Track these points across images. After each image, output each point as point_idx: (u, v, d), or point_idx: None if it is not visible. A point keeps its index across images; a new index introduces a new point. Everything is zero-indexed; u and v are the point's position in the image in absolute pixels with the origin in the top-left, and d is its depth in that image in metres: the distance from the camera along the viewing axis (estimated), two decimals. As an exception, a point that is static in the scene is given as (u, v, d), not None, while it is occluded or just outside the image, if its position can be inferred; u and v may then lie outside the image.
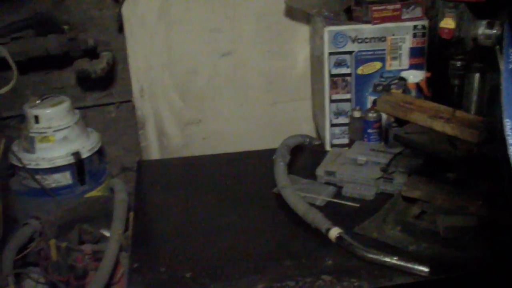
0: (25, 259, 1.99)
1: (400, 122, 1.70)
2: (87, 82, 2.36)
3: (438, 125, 1.55)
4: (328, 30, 1.95)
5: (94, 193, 2.15)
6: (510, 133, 0.80)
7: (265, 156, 2.01)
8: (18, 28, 2.19)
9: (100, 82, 2.37)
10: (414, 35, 1.95)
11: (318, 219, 1.62)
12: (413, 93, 1.93)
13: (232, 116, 2.39)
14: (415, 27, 1.94)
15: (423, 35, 1.95)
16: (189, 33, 2.26)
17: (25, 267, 1.99)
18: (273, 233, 1.71)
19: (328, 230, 1.57)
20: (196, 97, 2.34)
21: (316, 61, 2.15)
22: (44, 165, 2.07)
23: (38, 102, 2.13)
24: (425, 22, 1.94)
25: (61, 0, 2.26)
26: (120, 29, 2.24)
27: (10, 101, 2.30)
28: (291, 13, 2.25)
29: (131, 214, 1.88)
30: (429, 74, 1.94)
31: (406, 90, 1.90)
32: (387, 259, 1.46)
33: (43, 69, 2.34)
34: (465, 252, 1.50)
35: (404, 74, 1.96)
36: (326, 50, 1.97)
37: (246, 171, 2.09)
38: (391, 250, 1.52)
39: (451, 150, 1.56)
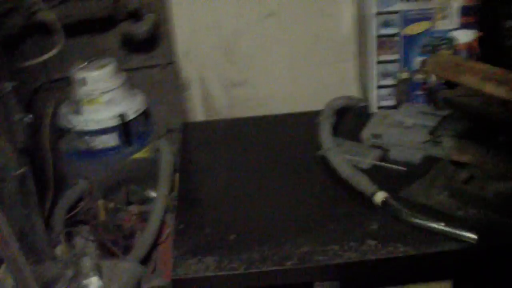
0: (75, 218, 2.03)
1: (450, 84, 1.65)
2: (131, 44, 2.37)
3: (491, 87, 1.49)
4: (376, -11, 1.90)
5: (140, 154, 2.16)
6: None
7: (311, 118, 1.99)
8: (64, -9, 2.19)
9: (145, 44, 2.37)
10: (466, -7, 1.89)
11: (363, 183, 1.60)
12: (464, 53, 1.87)
13: (277, 77, 2.36)
14: (467, -16, 1.88)
15: (476, -7, 1.88)
16: (234, -8, 2.24)
17: (76, 226, 2.04)
18: (317, 196, 1.70)
19: (373, 194, 1.56)
20: (242, 59, 2.32)
21: (363, 21, 2.10)
22: (91, 126, 2.09)
23: (84, 64, 2.14)
24: (478, -20, 1.87)
25: (106, -39, 2.26)
26: (165, -10, 2.22)
27: (58, 64, 2.32)
28: (338, -29, 2.20)
29: (177, 175, 1.90)
30: (480, 34, 1.87)
31: (456, 51, 1.85)
32: (434, 225, 1.44)
33: (88, 32, 2.35)
34: (515, 219, 1.47)
35: (454, 33, 1.90)
36: (373, 10, 1.92)
37: (291, 133, 2.08)
38: (438, 215, 1.49)
39: (504, 113, 1.51)
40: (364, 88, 2.22)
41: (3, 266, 1.27)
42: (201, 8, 2.23)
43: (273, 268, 1.42)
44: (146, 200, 1.99)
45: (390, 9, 1.91)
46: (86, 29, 2.32)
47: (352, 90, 2.31)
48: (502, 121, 1.53)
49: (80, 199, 2.02)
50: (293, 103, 2.34)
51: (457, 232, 1.41)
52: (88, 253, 1.74)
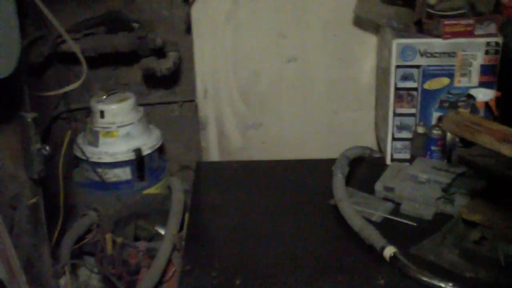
0: (82, 249, 2.03)
1: (466, 142, 1.65)
2: (152, 80, 2.40)
3: (507, 149, 1.49)
4: (397, 43, 1.91)
5: (152, 190, 2.17)
6: None
7: (324, 166, 2.00)
8: (90, 25, 2.23)
9: (165, 81, 2.40)
10: (486, 52, 1.90)
11: (373, 236, 1.59)
12: (481, 112, 1.88)
13: (293, 122, 2.38)
14: (488, 43, 1.89)
15: (496, 52, 1.89)
16: (255, 36, 2.27)
17: (82, 256, 2.03)
18: (327, 245, 1.70)
19: (383, 248, 1.55)
20: (259, 101, 2.35)
21: (382, 73, 2.12)
22: (106, 159, 2.10)
23: (104, 97, 2.17)
24: (498, 39, 1.89)
25: (133, -1, 2.31)
26: (188, 29, 2.26)
27: (78, 94, 2.36)
28: (359, 22, 2.23)
29: (187, 214, 1.90)
30: (499, 94, 1.87)
31: (474, 109, 1.85)
32: (442, 284, 1.42)
33: (111, 65, 2.39)
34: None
35: (473, 91, 1.91)
36: (394, 63, 1.94)
37: (304, 179, 2.08)
38: (447, 274, 1.48)
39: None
40: (379, 139, 2.22)
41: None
42: (223, 50, 2.26)
43: (277, 317, 1.41)
44: (154, 237, 1.99)
45: (410, 63, 1.93)
46: (109, 62, 2.36)
47: (367, 140, 2.31)
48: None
49: (88, 231, 2.02)
50: (308, 148, 2.36)
51: (465, 293, 1.39)
52: (90, 285, 1.74)
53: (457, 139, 1.69)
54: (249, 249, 1.68)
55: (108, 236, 1.86)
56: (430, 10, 1.91)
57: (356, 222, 1.66)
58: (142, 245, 1.87)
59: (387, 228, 1.68)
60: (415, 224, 1.71)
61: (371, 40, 2.25)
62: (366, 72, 2.30)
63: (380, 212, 1.75)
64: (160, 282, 1.83)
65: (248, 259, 1.63)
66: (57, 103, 2.32)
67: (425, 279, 1.45)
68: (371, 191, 1.87)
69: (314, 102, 2.36)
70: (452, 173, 1.80)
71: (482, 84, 1.92)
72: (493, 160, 1.55)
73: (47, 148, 1.48)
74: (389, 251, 1.53)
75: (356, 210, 1.72)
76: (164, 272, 1.85)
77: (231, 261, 1.63)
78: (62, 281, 1.84)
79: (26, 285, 1.25)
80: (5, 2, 1.30)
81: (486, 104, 1.88)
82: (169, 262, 1.85)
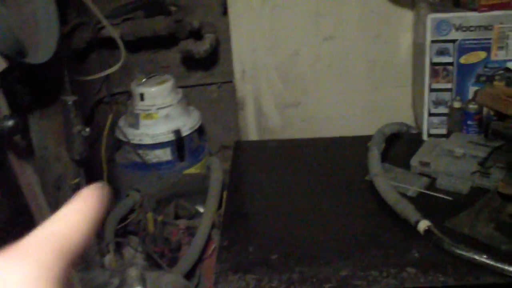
0: (126, 229, 2.11)
1: (502, 116, 1.64)
2: (191, 62, 2.44)
3: (541, 122, 1.48)
4: (431, 17, 1.90)
5: (192, 170, 2.22)
6: None
7: (362, 142, 2.01)
8: (129, 10, 2.29)
9: (204, 63, 2.45)
10: (524, 24, 1.87)
11: (407, 211, 1.60)
12: (519, 85, 1.85)
13: (331, 100, 2.38)
14: (525, 15, 1.86)
15: (534, 24, 1.86)
16: (292, 16, 2.27)
17: (126, 236, 2.11)
18: (362, 220, 1.71)
19: (417, 222, 1.55)
20: (297, 80, 2.36)
21: (418, 48, 2.11)
22: (147, 140, 2.16)
23: (144, 80, 2.23)
24: (537, 10, 1.85)
25: (170, -17, 2.35)
26: (225, 11, 2.29)
27: (119, 78, 2.42)
28: (396, -2, 2.21)
29: (225, 192, 1.94)
30: (537, 66, 1.85)
31: (509, 82, 1.83)
32: (476, 257, 1.42)
33: (151, 48, 2.45)
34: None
35: (510, 64, 1.88)
36: (429, 38, 1.92)
37: (341, 156, 2.09)
38: (482, 247, 1.47)
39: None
40: (416, 115, 2.21)
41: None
42: (259, 30, 2.28)
43: (312, 290, 1.44)
44: (194, 215, 2.04)
45: (446, 37, 1.91)
46: (148, 45, 2.42)
47: (406, 117, 2.30)
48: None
49: (131, 211, 2.09)
50: (347, 126, 2.36)
51: (499, 265, 1.39)
52: (135, 263, 1.80)
53: (492, 113, 1.68)
54: (286, 225, 1.72)
55: (150, 215, 1.93)
56: (465, -17, 1.89)
57: (390, 196, 1.67)
58: (182, 223, 1.93)
59: (422, 203, 1.68)
60: (450, 199, 1.71)
61: (408, 16, 2.23)
62: (403, 49, 2.29)
63: (415, 187, 1.75)
64: (200, 258, 1.89)
65: (284, 235, 1.66)
66: (99, 87, 2.39)
67: (459, 251, 1.46)
68: (407, 166, 1.87)
69: (352, 80, 2.36)
70: (489, 147, 1.79)
71: (520, 57, 1.90)
72: (528, 133, 1.54)
73: (87, 129, 1.55)
74: (424, 224, 1.54)
75: (391, 185, 1.73)
76: (205, 249, 1.91)
77: (268, 237, 1.66)
78: (107, 259, 1.92)
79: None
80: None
81: (524, 76, 1.85)
82: (209, 239, 1.91)
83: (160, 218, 1.89)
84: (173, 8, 2.31)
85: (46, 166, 1.56)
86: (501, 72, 1.89)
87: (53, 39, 1.37)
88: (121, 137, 2.21)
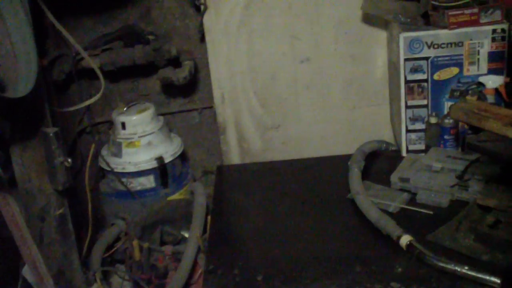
0: (113, 257, 2.11)
1: (476, 129, 1.68)
2: (171, 89, 2.47)
3: (513, 133, 1.51)
4: (404, 36, 1.95)
5: (176, 196, 2.23)
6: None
7: (342, 161, 2.04)
8: (108, 40, 2.32)
9: (184, 89, 2.47)
10: (493, 39, 1.91)
11: (389, 226, 1.63)
12: (492, 99, 1.90)
13: (311, 121, 2.41)
14: (494, 31, 1.91)
15: (503, 38, 1.91)
16: (269, 40, 2.31)
17: (113, 265, 2.11)
18: (345, 238, 1.74)
19: (399, 237, 1.58)
20: (276, 103, 2.39)
21: (392, 67, 2.15)
22: (130, 169, 2.18)
23: (125, 109, 2.24)
24: (504, 26, 1.90)
25: (147, 12, 2.38)
26: (202, 38, 2.32)
27: (101, 108, 2.45)
28: (369, 19, 2.26)
29: (209, 217, 1.95)
30: (508, 79, 1.89)
31: (482, 96, 1.87)
32: (458, 268, 1.45)
33: (130, 77, 2.47)
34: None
35: (482, 79, 1.93)
36: (402, 56, 1.97)
37: (323, 176, 2.12)
38: (464, 259, 1.50)
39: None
40: (395, 132, 2.25)
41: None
42: (237, 55, 2.31)
43: (298, 309, 1.45)
44: (180, 241, 2.05)
45: (419, 55, 1.96)
46: (128, 75, 2.44)
47: (384, 134, 2.34)
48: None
49: (117, 239, 2.10)
50: (327, 146, 2.39)
51: (481, 276, 1.42)
52: (121, 290, 1.81)
53: (467, 127, 1.71)
54: (271, 247, 1.73)
55: (135, 242, 1.93)
56: (434, 2, 1.94)
57: (372, 213, 1.70)
58: (168, 249, 1.94)
59: (404, 218, 1.71)
60: (431, 213, 1.74)
61: (382, 35, 2.28)
62: (379, 68, 2.33)
63: (396, 203, 1.78)
64: (187, 284, 1.89)
65: (270, 257, 1.68)
66: (81, 118, 2.41)
67: (441, 264, 1.48)
68: (388, 183, 1.90)
69: (331, 100, 2.39)
70: (466, 161, 1.82)
71: (491, 71, 1.94)
72: (502, 145, 1.57)
73: (69, 160, 1.56)
74: (406, 239, 1.56)
75: (372, 202, 1.75)
76: (192, 274, 1.91)
77: (253, 259, 1.68)
78: (94, 288, 1.92)
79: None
80: (22, 26, 1.38)
81: (496, 90, 1.90)
82: (195, 264, 1.91)
83: (146, 245, 1.90)
84: (151, 37, 2.34)
85: (30, 197, 1.57)
86: (474, 86, 1.94)
87: (32, 73, 1.39)
88: (104, 166, 2.22)
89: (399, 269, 1.52)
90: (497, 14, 1.90)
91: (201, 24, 2.27)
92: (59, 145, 1.57)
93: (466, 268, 1.44)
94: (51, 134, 1.54)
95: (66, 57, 2.24)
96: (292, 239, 1.75)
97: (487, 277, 1.41)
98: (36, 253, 1.26)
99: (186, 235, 2.02)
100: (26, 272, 1.26)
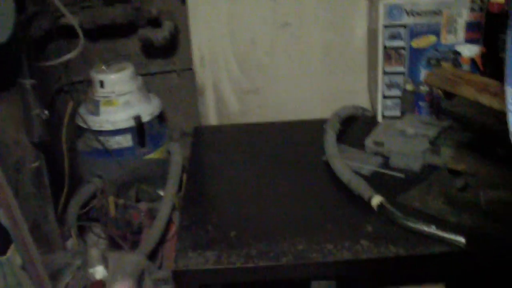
0: (88, 215, 2.12)
1: (450, 96, 1.71)
2: (150, 50, 2.46)
3: (485, 99, 1.54)
4: (384, 3, 1.96)
5: (153, 155, 2.24)
6: (511, 101, 0.81)
7: (319, 125, 2.06)
8: (87, -3, 2.30)
9: (163, 50, 2.47)
10: (471, 9, 1.94)
11: (361, 187, 1.66)
12: (467, 68, 1.92)
13: (289, 86, 2.43)
14: (472, 1, 1.93)
15: (481, 9, 1.93)
16: (249, 4, 2.31)
17: (88, 222, 2.12)
18: (318, 199, 1.76)
19: (370, 197, 1.62)
20: (255, 67, 2.40)
21: (371, 34, 2.17)
22: (107, 127, 2.18)
23: (103, 68, 2.24)
24: (483, -4, 1.93)
25: (128, -30, 2.36)
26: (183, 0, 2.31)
27: (79, 67, 2.43)
28: (350, -15, 2.27)
29: (185, 175, 1.97)
30: (484, 49, 1.92)
31: (458, 64, 1.90)
32: (425, 228, 1.49)
33: (110, 37, 2.46)
34: (506, 227, 1.51)
35: (459, 48, 1.95)
36: (381, 23, 1.99)
37: (298, 139, 2.14)
38: (432, 220, 1.54)
39: (498, 123, 1.56)
40: (371, 99, 2.28)
41: (13, 245, 1.35)
42: (217, 18, 2.31)
43: (269, 263, 1.48)
44: (156, 199, 2.07)
45: (398, 22, 1.98)
46: (107, 34, 2.43)
47: (362, 101, 2.37)
48: (496, 131, 1.58)
49: (93, 197, 2.11)
50: (304, 111, 2.41)
51: (446, 235, 1.46)
52: (96, 245, 1.83)
53: (440, 92, 1.74)
54: (244, 205, 1.76)
55: (111, 199, 1.95)
56: (415, -31, 1.96)
57: (345, 175, 1.73)
58: (143, 205, 1.96)
59: (376, 181, 1.74)
60: (403, 176, 1.77)
61: (362, 3, 2.29)
62: (358, 35, 2.34)
63: (369, 166, 1.82)
64: (162, 241, 1.92)
65: (242, 214, 1.71)
66: (59, 76, 2.39)
67: (410, 224, 1.52)
68: (362, 147, 1.93)
69: (309, 66, 2.40)
70: (439, 127, 1.86)
71: (468, 41, 1.96)
72: (474, 110, 1.60)
73: (46, 112, 1.57)
74: (376, 200, 1.60)
75: (346, 164, 1.78)
76: (166, 231, 1.94)
77: (226, 216, 1.70)
78: (69, 243, 1.94)
79: (28, 233, 1.33)
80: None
81: (472, 60, 1.92)
82: (170, 221, 1.94)
83: (121, 202, 1.92)
84: (131, -4, 2.33)
85: (5, 149, 1.57)
86: (450, 55, 1.96)
87: (9, 21, 1.38)
88: (82, 124, 2.22)
89: (369, 228, 1.56)
90: (476, -16, 1.92)
91: (183, -16, 2.26)
92: (36, 97, 1.57)
93: (433, 227, 1.48)
94: (28, 86, 1.54)
95: (45, 13, 2.22)
96: (266, 199, 1.78)
97: (453, 237, 1.45)
98: (11, 198, 1.27)
99: (162, 193, 2.04)
100: (1, 215, 1.27)
